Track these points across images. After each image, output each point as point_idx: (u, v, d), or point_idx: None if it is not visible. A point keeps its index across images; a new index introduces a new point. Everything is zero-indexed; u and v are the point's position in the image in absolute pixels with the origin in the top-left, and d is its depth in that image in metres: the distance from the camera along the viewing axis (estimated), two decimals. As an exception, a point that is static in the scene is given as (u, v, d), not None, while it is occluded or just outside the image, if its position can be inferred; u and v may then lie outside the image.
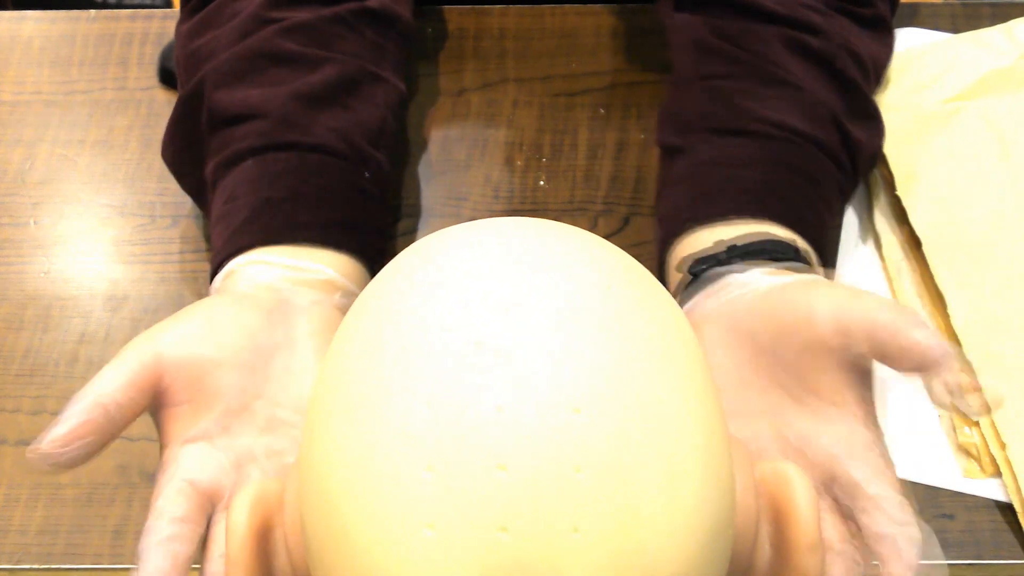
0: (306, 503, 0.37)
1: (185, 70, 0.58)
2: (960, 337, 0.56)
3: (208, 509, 0.41)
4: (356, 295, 0.46)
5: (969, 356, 0.55)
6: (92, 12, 0.73)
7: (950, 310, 0.57)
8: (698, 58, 0.58)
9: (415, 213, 0.64)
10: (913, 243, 0.60)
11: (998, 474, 0.54)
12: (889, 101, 0.65)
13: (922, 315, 0.58)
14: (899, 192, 0.61)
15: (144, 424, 0.43)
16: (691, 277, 0.49)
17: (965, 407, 0.38)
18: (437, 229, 0.40)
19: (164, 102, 0.68)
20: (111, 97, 0.69)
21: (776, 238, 0.49)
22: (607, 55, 0.70)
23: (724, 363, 0.45)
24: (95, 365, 0.52)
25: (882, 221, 0.62)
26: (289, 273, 0.48)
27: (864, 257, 0.61)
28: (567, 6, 0.72)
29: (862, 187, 0.63)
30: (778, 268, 0.47)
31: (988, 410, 0.38)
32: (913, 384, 0.40)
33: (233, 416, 0.43)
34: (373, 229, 0.54)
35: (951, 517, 0.53)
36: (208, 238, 0.58)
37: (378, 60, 0.58)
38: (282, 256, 0.49)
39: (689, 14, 0.59)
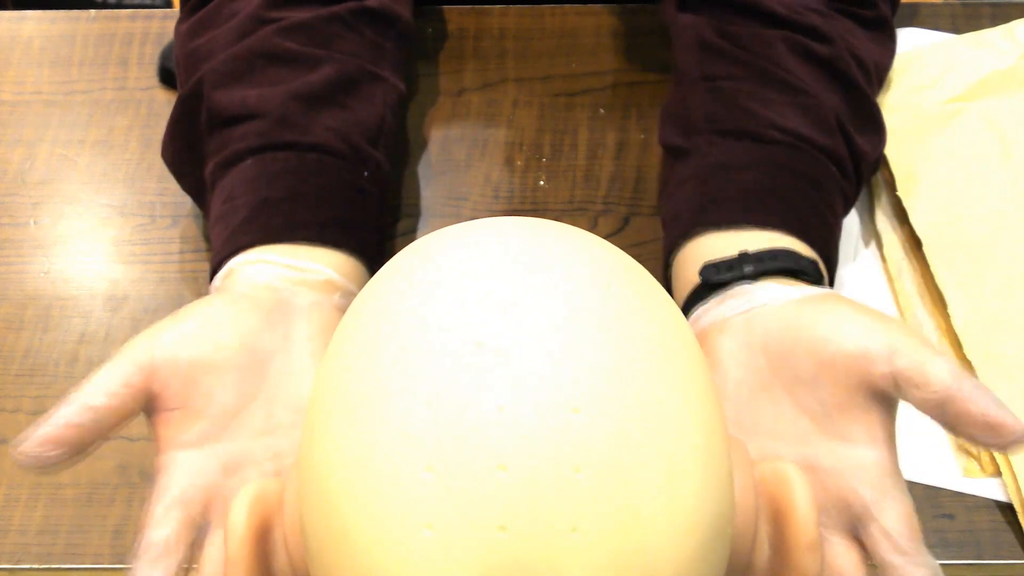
0: (306, 503, 0.37)
1: (184, 70, 0.58)
2: (960, 337, 0.56)
3: (197, 520, 0.41)
4: (355, 295, 0.46)
5: (969, 356, 0.55)
6: (92, 12, 0.73)
7: (950, 310, 0.57)
8: (702, 58, 0.57)
9: (415, 213, 0.64)
10: (914, 243, 0.60)
11: (998, 474, 0.54)
12: (890, 102, 0.65)
13: (922, 315, 0.58)
14: (899, 192, 0.61)
15: (144, 424, 0.43)
16: (701, 280, 0.49)
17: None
18: (437, 229, 0.40)
19: (164, 102, 0.68)
20: (111, 97, 0.69)
21: (790, 250, 0.49)
22: (607, 55, 0.70)
23: (742, 378, 0.45)
24: (95, 365, 0.52)
25: (883, 221, 0.62)
26: (288, 273, 0.48)
27: (865, 257, 0.61)
28: (567, 6, 0.72)
29: (863, 187, 0.63)
30: (792, 280, 0.47)
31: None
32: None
33: (230, 418, 0.43)
34: (372, 228, 0.54)
35: (951, 517, 0.53)
36: (208, 238, 0.58)
37: (377, 60, 0.58)
38: (281, 255, 0.49)
39: (692, 14, 0.59)
